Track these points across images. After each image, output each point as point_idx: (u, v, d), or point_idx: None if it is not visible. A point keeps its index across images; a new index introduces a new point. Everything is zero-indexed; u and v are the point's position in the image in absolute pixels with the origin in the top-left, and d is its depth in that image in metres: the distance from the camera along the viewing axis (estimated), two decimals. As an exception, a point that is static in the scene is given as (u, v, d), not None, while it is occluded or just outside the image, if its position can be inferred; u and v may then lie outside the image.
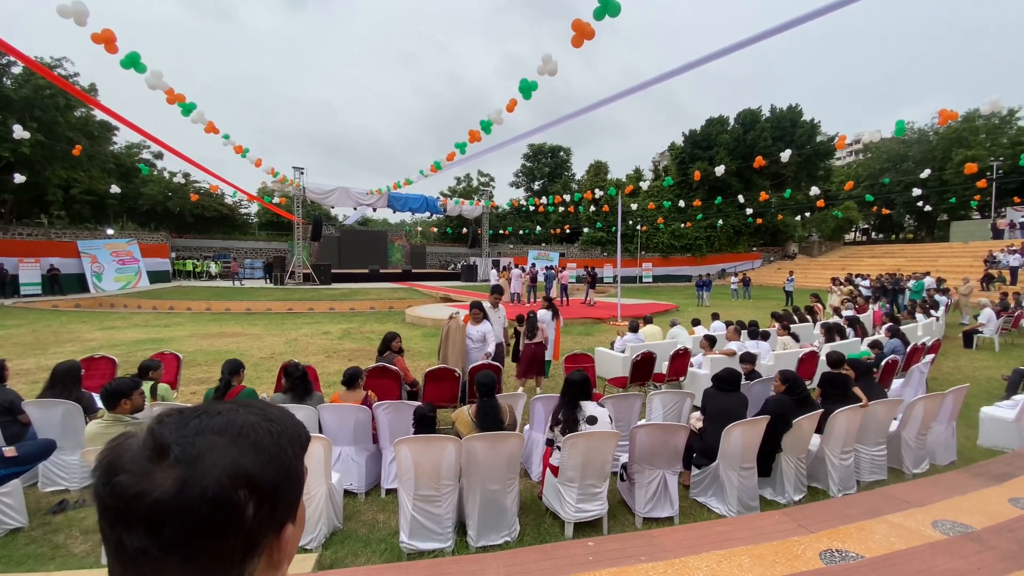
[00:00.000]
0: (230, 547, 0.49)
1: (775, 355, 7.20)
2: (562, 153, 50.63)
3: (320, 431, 4.01)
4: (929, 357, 7.01)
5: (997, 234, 32.47)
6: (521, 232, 40.36)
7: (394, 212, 31.89)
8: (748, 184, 36.62)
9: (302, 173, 27.02)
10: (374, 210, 30.44)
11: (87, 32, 7.16)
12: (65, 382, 4.31)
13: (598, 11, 5.91)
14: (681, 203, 26.72)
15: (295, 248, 28.37)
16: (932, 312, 11.49)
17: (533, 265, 26.23)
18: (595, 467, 3.47)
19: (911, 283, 16.77)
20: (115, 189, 21.79)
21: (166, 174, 30.27)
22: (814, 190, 22.58)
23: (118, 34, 7.50)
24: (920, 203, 29.18)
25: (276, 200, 26.66)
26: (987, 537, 2.40)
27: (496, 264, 28.80)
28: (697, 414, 4.51)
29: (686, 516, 3.76)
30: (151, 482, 0.47)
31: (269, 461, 0.52)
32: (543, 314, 7.24)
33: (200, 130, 11.37)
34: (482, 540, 3.32)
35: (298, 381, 4.29)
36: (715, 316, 9.78)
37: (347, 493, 3.95)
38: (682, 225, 36.95)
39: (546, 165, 50.37)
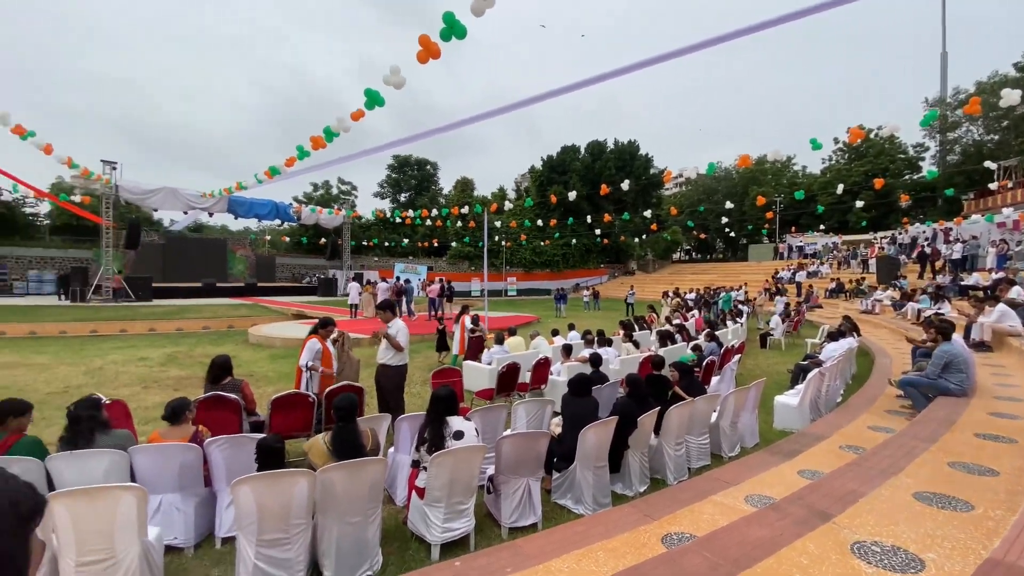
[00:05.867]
0: None
1: (621, 360, 7.99)
2: (429, 167, 50.65)
3: (132, 479, 3.31)
4: (737, 357, 8.43)
5: (779, 255, 40.99)
6: (387, 244, 39.09)
7: (236, 218, 28.43)
8: (596, 207, 40.69)
9: (114, 168, 22.66)
10: (210, 215, 26.60)
11: None
12: None
13: (444, 32, 5.98)
14: (540, 222, 28.56)
15: (103, 257, 23.46)
16: (738, 319, 13.95)
17: (398, 279, 25.51)
18: (462, 483, 3.43)
19: (722, 295, 20.14)
20: None
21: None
22: (648, 214, 26.00)
23: None
24: (727, 229, 35.53)
25: (77, 199, 21.84)
26: (784, 506, 2.92)
27: (359, 278, 27.36)
28: (557, 419, 4.77)
29: (548, 520, 3.91)
30: None
31: None
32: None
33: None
34: (340, 579, 3.03)
35: (79, 422, 3.32)
36: (571, 326, 10.55)
37: (170, 549, 3.31)
38: (542, 243, 39.54)
39: (412, 177, 49.84)
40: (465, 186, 47.96)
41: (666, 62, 6.11)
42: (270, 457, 3.08)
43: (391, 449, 4.48)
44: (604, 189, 17.53)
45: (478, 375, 7.52)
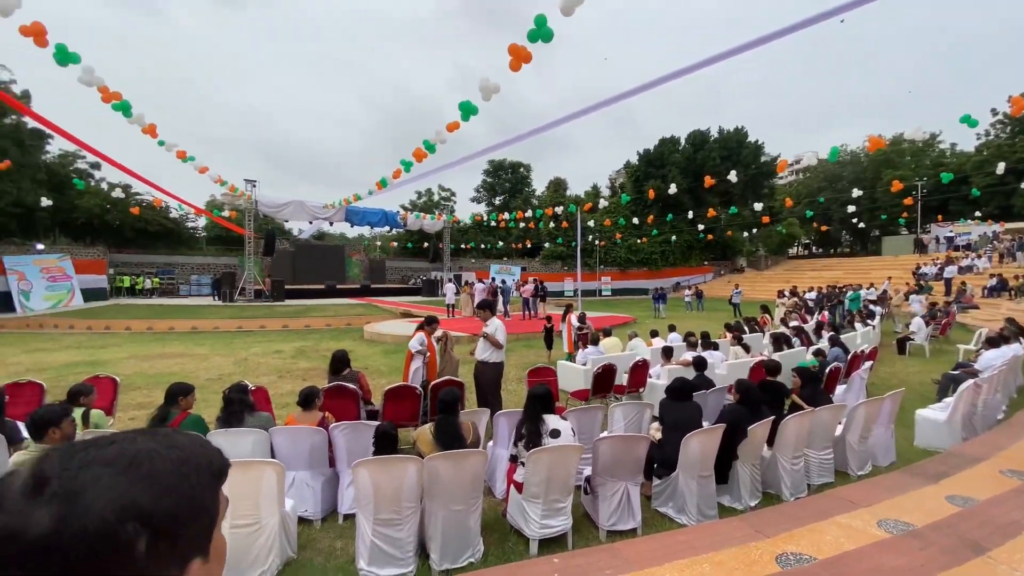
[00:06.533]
0: None
1: (728, 364, 7.47)
2: (522, 169, 51.41)
3: (272, 455, 3.81)
4: (868, 364, 7.46)
5: (921, 248, 35.38)
6: (483, 246, 40.44)
7: (352, 226, 31.29)
8: (699, 201, 38.35)
9: (254, 186, 26.10)
10: (331, 224, 29.67)
11: (14, 24, 6.67)
12: (-18, 411, 3.91)
13: (532, 34, 6.04)
14: (636, 220, 27.57)
15: (246, 263, 27.21)
16: (869, 321, 12.30)
17: (493, 280, 26.27)
18: (559, 481, 3.46)
19: (849, 294, 17.90)
20: (46, 202, 20.31)
21: (104, 186, 28.53)
22: (758, 207, 23.90)
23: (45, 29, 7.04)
24: (855, 219, 31.47)
25: (226, 214, 25.58)
26: (928, 534, 2.55)
27: (457, 279, 28.64)
28: (656, 424, 4.60)
29: (648, 527, 3.80)
30: (26, 521, 0.43)
31: (166, 491, 0.48)
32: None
33: (142, 140, 10.82)
34: (445, 563, 3.22)
35: (231, 404, 3.97)
36: (671, 328, 10.08)
37: (302, 520, 3.76)
38: (638, 240, 38.19)
39: (507, 181, 50.96)
40: (558, 186, 48.01)
41: (784, 38, 5.59)
42: (386, 442, 3.37)
43: (490, 443, 4.66)
44: (708, 181, 16.50)
45: (573, 375, 7.50)
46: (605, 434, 4.36)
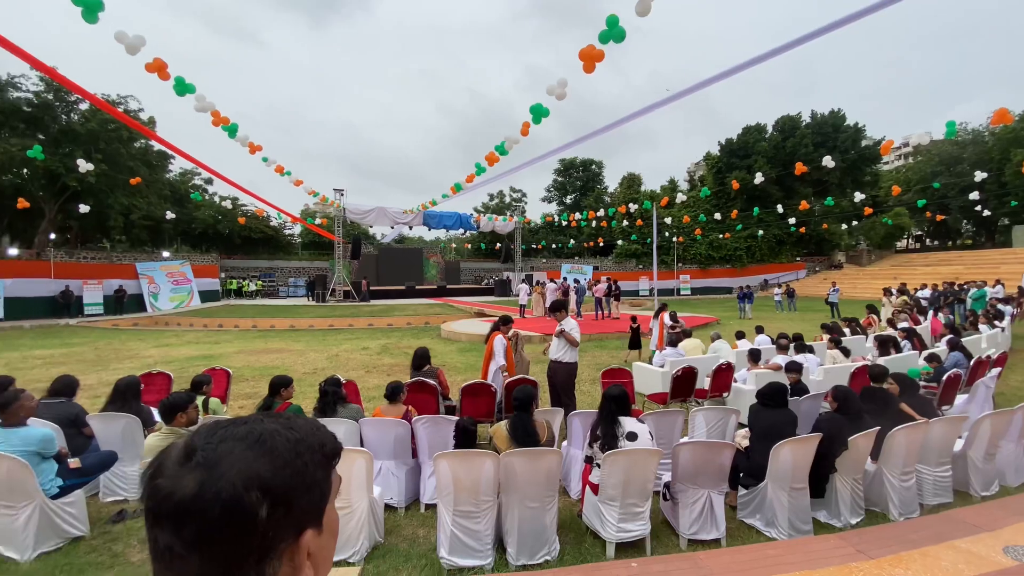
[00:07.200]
0: (245, 546, 0.51)
1: (824, 369, 6.87)
2: (594, 166, 50.61)
3: (361, 445, 4.09)
4: (995, 371, 6.51)
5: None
6: (554, 246, 40.34)
7: (429, 229, 32.80)
8: (789, 192, 35.50)
9: (342, 194, 28.06)
10: (410, 228, 31.28)
11: (141, 61, 7.68)
12: (126, 396, 4.55)
13: (603, 35, 5.96)
14: (718, 215, 26.06)
15: (335, 266, 29.38)
16: (996, 323, 10.72)
17: (565, 279, 26.14)
18: (636, 485, 3.39)
19: (972, 292, 15.70)
20: (170, 215, 23.22)
21: (216, 199, 32.13)
22: (859, 196, 21.65)
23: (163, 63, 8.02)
24: (978, 207, 27.42)
25: (318, 221, 27.83)
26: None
27: (528, 279, 28.83)
28: (743, 431, 4.35)
29: (734, 538, 3.61)
30: (178, 484, 0.51)
31: (283, 466, 0.55)
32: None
33: (246, 157, 12.04)
34: (522, 558, 3.28)
35: (327, 396, 4.35)
36: (759, 329, 9.44)
37: (387, 507, 4.00)
38: (720, 236, 36.07)
39: (578, 179, 50.44)
40: (632, 182, 46.62)
41: (889, 6, 5.05)
42: (465, 437, 3.51)
43: (564, 443, 4.66)
44: (800, 169, 15.21)
45: (650, 378, 7.28)
46: (685, 439, 4.20)
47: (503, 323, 6.23)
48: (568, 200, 50.53)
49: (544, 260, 41.28)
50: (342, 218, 28.56)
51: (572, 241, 40.42)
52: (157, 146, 28.16)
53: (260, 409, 4.27)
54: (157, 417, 4.18)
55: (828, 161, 14.50)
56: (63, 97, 24.20)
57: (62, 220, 26.76)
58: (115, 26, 6.91)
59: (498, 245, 40.49)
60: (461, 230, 34.24)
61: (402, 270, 35.68)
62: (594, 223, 33.75)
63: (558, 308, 6.01)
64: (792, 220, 26.08)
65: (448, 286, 34.55)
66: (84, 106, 24.73)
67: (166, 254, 28.52)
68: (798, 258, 40.64)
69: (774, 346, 7.55)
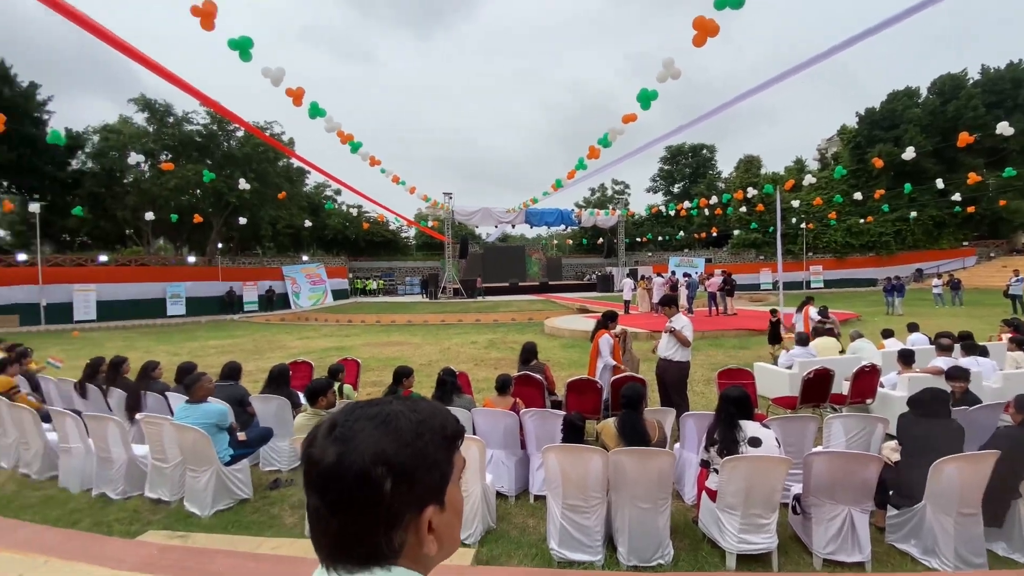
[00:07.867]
0: (374, 514, 0.58)
1: (1003, 375, 5.70)
2: (704, 151, 47.15)
3: (474, 433, 4.29)
4: None
5: None
6: (660, 238, 38.52)
7: (531, 227, 33.29)
8: (951, 165, 29.87)
9: (451, 197, 29.64)
10: (513, 226, 32.15)
11: (282, 91, 8.78)
12: (279, 382, 5.31)
13: (719, 2, 5.51)
14: (858, 195, 22.79)
15: (446, 265, 31.23)
16: None
17: (673, 273, 24.83)
18: (761, 495, 3.12)
19: None
20: (308, 223, 26.42)
21: (344, 207, 35.89)
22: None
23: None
24: None
25: (430, 224, 29.75)
26: None
27: (633, 274, 27.89)
28: (892, 443, 3.79)
29: (881, 564, 3.17)
30: (323, 453, 0.60)
31: (405, 445, 0.61)
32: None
33: (367, 169, 13.24)
34: (633, 559, 3.20)
35: (445, 385, 4.63)
36: (912, 327, 8.11)
37: (499, 495, 4.15)
38: (861, 220, 31.51)
39: (687, 166, 47.45)
40: (749, 165, 42.60)
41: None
42: (573, 431, 3.52)
43: (676, 445, 4.45)
44: (964, 139, 12.72)
45: (776, 379, 6.63)
46: (820, 449, 3.77)
47: (608, 319, 6.10)
48: (675, 189, 47.79)
49: (649, 254, 39.62)
50: (451, 220, 30.22)
51: (681, 233, 38.25)
52: (296, 163, 32.22)
53: (388, 394, 4.68)
54: (303, 399, 4.79)
55: (1004, 128, 11.93)
56: (224, 127, 28.74)
57: (226, 231, 31.85)
58: (260, 62, 8.00)
59: (600, 240, 39.72)
60: (563, 226, 34.28)
61: (506, 267, 36.71)
62: (706, 212, 31.54)
63: (668, 303, 5.73)
64: (957, 197, 21.88)
65: (550, 282, 34.78)
66: (240, 133, 29.14)
67: (304, 258, 32.63)
68: (965, 243, 33.98)
69: (932, 347, 6.42)
